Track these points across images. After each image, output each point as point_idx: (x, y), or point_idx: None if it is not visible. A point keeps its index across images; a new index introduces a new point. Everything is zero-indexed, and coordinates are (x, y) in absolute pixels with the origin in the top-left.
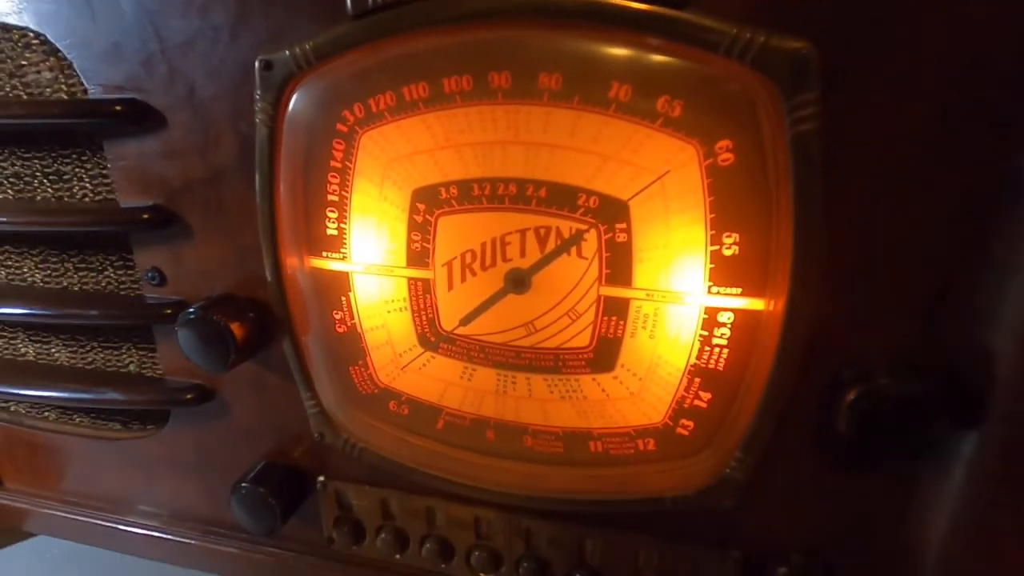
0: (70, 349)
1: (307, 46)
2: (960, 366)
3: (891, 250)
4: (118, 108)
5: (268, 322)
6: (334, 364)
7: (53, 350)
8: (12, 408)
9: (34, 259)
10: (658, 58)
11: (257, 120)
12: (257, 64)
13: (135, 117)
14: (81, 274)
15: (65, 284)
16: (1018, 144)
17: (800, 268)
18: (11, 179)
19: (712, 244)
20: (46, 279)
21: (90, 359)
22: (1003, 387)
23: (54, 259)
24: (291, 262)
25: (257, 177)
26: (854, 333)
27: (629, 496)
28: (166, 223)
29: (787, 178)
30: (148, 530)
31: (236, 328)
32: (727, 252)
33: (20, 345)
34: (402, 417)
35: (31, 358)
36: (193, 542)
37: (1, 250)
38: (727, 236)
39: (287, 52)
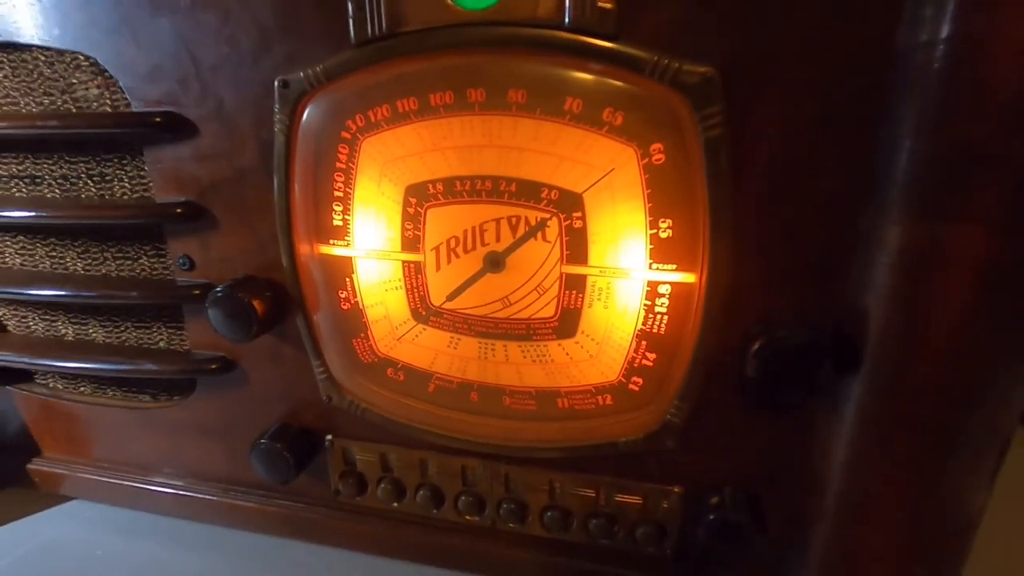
0: (106, 329)
1: (318, 68)
2: (843, 322)
3: (786, 229)
4: (158, 120)
5: (283, 300)
6: (339, 336)
7: (90, 330)
8: (51, 384)
9: (76, 250)
10: (601, 78)
11: (276, 129)
12: (276, 83)
13: (172, 127)
14: (118, 262)
15: (104, 271)
16: (876, 142)
17: (715, 246)
18: (59, 180)
19: (651, 228)
20: (86, 267)
21: (124, 338)
22: (873, 340)
23: (94, 249)
24: (303, 249)
25: (275, 177)
26: (760, 297)
27: (590, 443)
28: (196, 216)
29: (702, 172)
30: (174, 490)
31: (257, 304)
32: (663, 235)
33: (60, 326)
34: (398, 382)
35: (70, 338)
36: (214, 499)
37: (47, 242)
38: (662, 221)
39: (301, 73)
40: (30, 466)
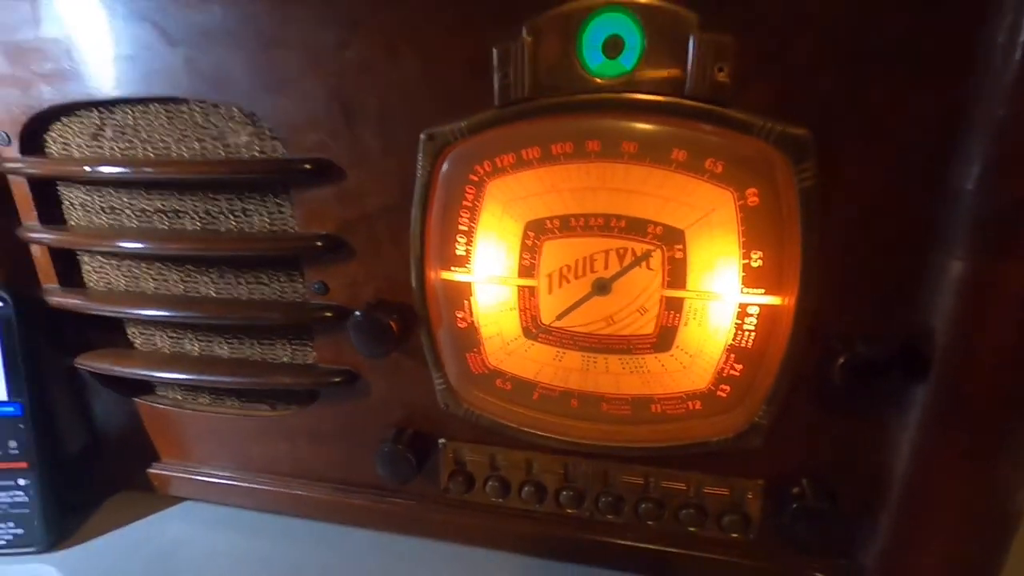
0: (231, 346)
1: (462, 124)
2: (912, 339)
3: (864, 261)
4: (308, 167)
5: (410, 319)
6: (454, 351)
7: (215, 347)
8: (171, 395)
9: (210, 275)
10: (704, 133)
11: (418, 174)
12: (422, 136)
13: (320, 172)
14: (250, 286)
15: (236, 295)
16: (943, 192)
17: (804, 276)
18: (201, 214)
19: (743, 258)
20: (219, 291)
21: (248, 354)
22: (939, 354)
23: (228, 275)
24: (431, 275)
25: (414, 213)
26: (841, 318)
27: (683, 442)
28: (335, 248)
29: (795, 215)
30: (288, 489)
31: (393, 324)
32: (754, 264)
33: (186, 343)
34: (505, 391)
35: (196, 354)
36: (327, 498)
37: (183, 269)
38: (754, 253)
39: (447, 128)
40: (150, 470)
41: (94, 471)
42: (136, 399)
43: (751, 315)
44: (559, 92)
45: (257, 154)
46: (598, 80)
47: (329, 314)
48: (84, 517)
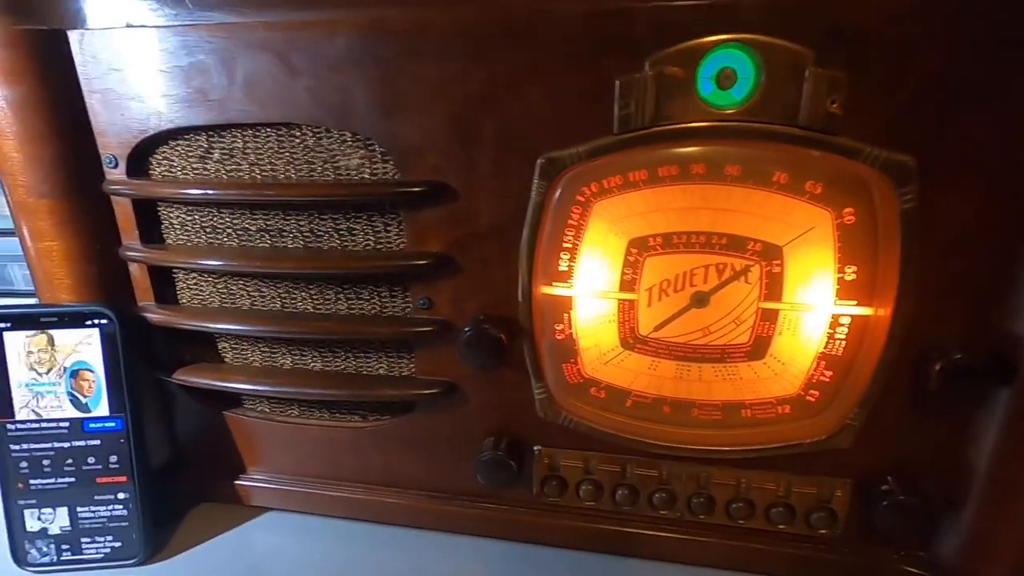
0: (325, 359)
1: (580, 150)
2: (1002, 346)
3: (958, 276)
4: (423, 189)
5: (513, 332)
6: (551, 361)
7: (308, 360)
8: (259, 408)
9: (309, 291)
10: (808, 157)
11: (532, 196)
12: (540, 161)
13: (434, 194)
14: (350, 302)
15: (333, 310)
16: None
17: (901, 290)
18: (305, 233)
19: (838, 272)
20: (316, 307)
21: (341, 366)
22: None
23: (328, 291)
24: (536, 290)
25: (525, 232)
26: (936, 327)
27: (774, 445)
28: (443, 266)
29: (893, 233)
30: (379, 497)
31: (503, 338)
32: (848, 278)
33: (279, 357)
34: (599, 399)
35: (288, 367)
36: (418, 504)
37: (281, 285)
38: (848, 267)
39: (565, 154)
40: (237, 482)
41: (176, 485)
42: (225, 412)
43: (843, 325)
44: (675, 120)
45: (368, 176)
46: (712, 109)
47: (432, 328)
48: (171, 530)
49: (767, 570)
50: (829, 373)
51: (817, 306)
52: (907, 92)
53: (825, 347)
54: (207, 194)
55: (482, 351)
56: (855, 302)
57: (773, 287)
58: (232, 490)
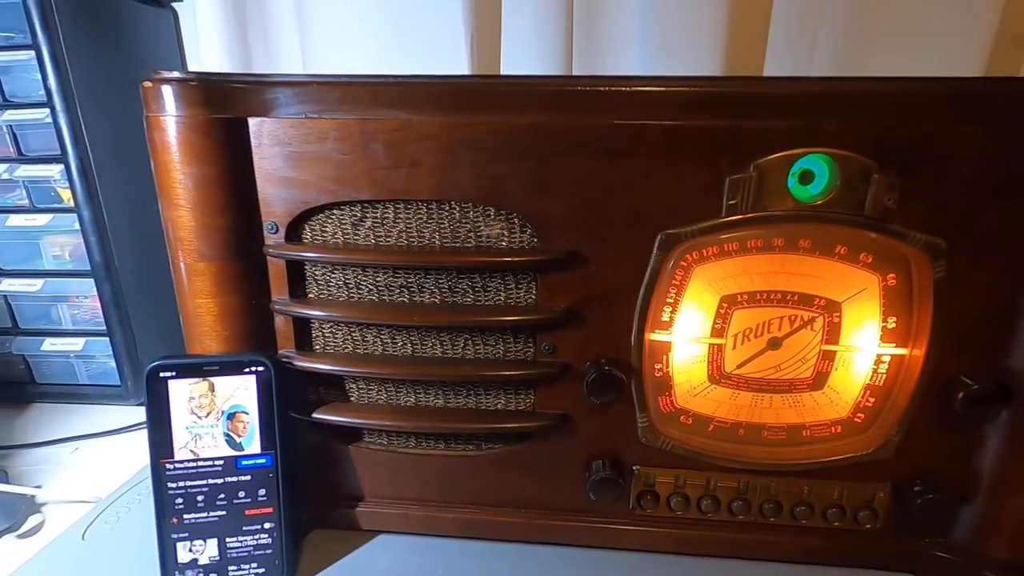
0: (447, 397)
1: (694, 228)
2: (1006, 378)
3: (975, 326)
4: (559, 257)
5: (625, 371)
6: (651, 397)
7: (431, 398)
8: (379, 441)
9: (440, 339)
10: (865, 236)
11: (650, 264)
12: (660, 236)
13: (569, 261)
14: (476, 347)
15: (461, 355)
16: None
17: (933, 336)
18: (444, 291)
19: (882, 322)
20: (445, 352)
21: (462, 403)
22: (1021, 387)
23: (458, 339)
24: (645, 337)
25: (642, 292)
26: (958, 363)
27: (831, 458)
28: (569, 318)
29: (927, 294)
30: (491, 516)
31: (624, 377)
32: (889, 326)
33: (402, 396)
34: (687, 425)
35: (411, 403)
36: (528, 521)
37: (415, 333)
38: (890, 318)
39: (681, 231)
40: (358, 509)
41: (297, 514)
42: (349, 446)
43: (884, 362)
44: (768, 209)
45: (506, 243)
46: (797, 201)
47: (555, 370)
48: (297, 555)
49: (824, 560)
50: (872, 400)
51: (865, 348)
52: (943, 194)
53: (870, 379)
54: (362, 259)
55: (607, 389)
56: (894, 344)
57: (832, 333)
58: (346, 516)
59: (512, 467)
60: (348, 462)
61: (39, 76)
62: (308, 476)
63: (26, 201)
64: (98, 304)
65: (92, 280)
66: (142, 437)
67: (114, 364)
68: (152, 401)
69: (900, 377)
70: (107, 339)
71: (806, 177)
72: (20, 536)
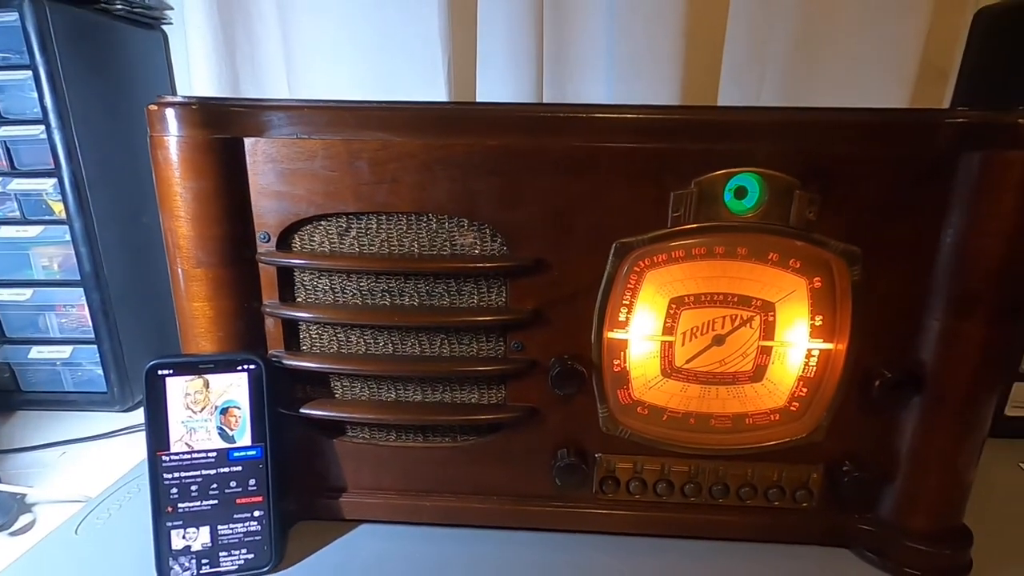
0: (424, 392)
1: (645, 238)
2: (915, 368)
3: (887, 321)
4: (527, 263)
5: (586, 366)
6: (610, 389)
7: (410, 394)
8: (362, 435)
9: (418, 339)
10: (792, 245)
11: (607, 269)
12: (615, 245)
13: (535, 268)
14: (452, 346)
15: (438, 353)
16: (929, 285)
17: (853, 332)
18: (422, 294)
19: (810, 320)
20: (423, 351)
21: (439, 398)
22: (929, 376)
23: (435, 339)
24: (604, 335)
25: (600, 295)
26: (874, 355)
27: (771, 443)
28: (536, 319)
29: (847, 295)
30: (467, 503)
31: (585, 371)
32: (816, 324)
33: (383, 392)
34: (643, 416)
35: (392, 399)
36: (502, 507)
37: (393, 335)
38: (817, 317)
39: (633, 240)
40: (341, 499)
41: (284, 505)
42: (333, 440)
43: (814, 355)
44: (707, 220)
45: (478, 252)
46: (732, 213)
47: (523, 366)
48: (283, 545)
49: (767, 536)
50: (805, 390)
51: (797, 343)
52: (857, 207)
53: (803, 371)
54: (347, 266)
55: (570, 382)
56: (822, 340)
57: (768, 331)
58: (331, 506)
59: (485, 457)
60: (332, 455)
61: (34, 95)
62: (294, 469)
63: (17, 213)
64: (84, 313)
65: (79, 289)
66: (129, 441)
67: (100, 371)
68: (150, 397)
69: (827, 369)
70: (94, 347)
71: (740, 193)
72: (12, 534)
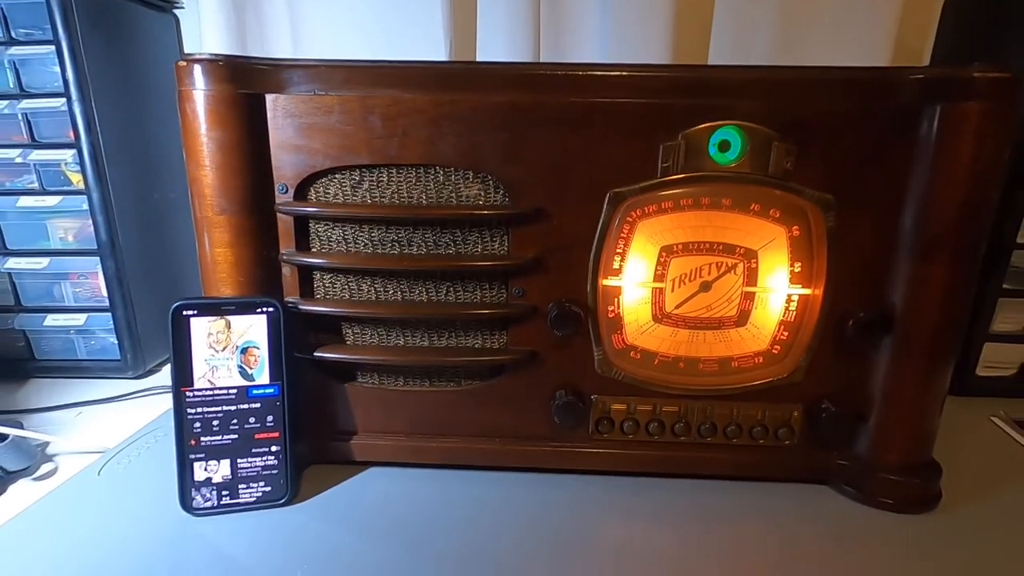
0: (431, 338)
1: (637, 187)
2: (887, 309)
3: (860, 266)
4: (528, 213)
5: (583, 310)
6: (605, 334)
7: (417, 340)
8: (371, 381)
9: (425, 287)
10: (772, 194)
11: (602, 218)
12: (609, 194)
13: (535, 217)
14: (456, 293)
15: (444, 299)
16: (898, 230)
17: (829, 276)
18: (429, 244)
19: (790, 267)
20: (431, 297)
21: (444, 344)
22: (899, 316)
23: (442, 287)
24: (600, 282)
25: (595, 243)
26: (849, 298)
27: (755, 383)
28: (536, 266)
29: (823, 242)
30: (472, 444)
31: (581, 313)
32: (796, 270)
33: (392, 339)
34: (636, 360)
35: (401, 344)
36: (504, 448)
37: (402, 283)
38: (796, 263)
39: (626, 189)
40: (352, 442)
41: (297, 448)
42: (346, 384)
43: (794, 300)
44: (694, 170)
45: (482, 203)
46: (717, 164)
47: (524, 311)
48: (298, 482)
49: (752, 473)
50: (786, 333)
51: (778, 289)
52: (830, 158)
53: (783, 316)
54: (360, 213)
55: (567, 323)
56: (800, 286)
57: (751, 277)
58: (342, 449)
59: (488, 400)
60: (343, 400)
61: (55, 69)
62: (308, 414)
63: (36, 184)
64: (98, 282)
65: (95, 259)
66: (143, 403)
67: (113, 339)
68: (176, 336)
69: (806, 313)
70: (107, 315)
71: (724, 146)
72: (35, 479)
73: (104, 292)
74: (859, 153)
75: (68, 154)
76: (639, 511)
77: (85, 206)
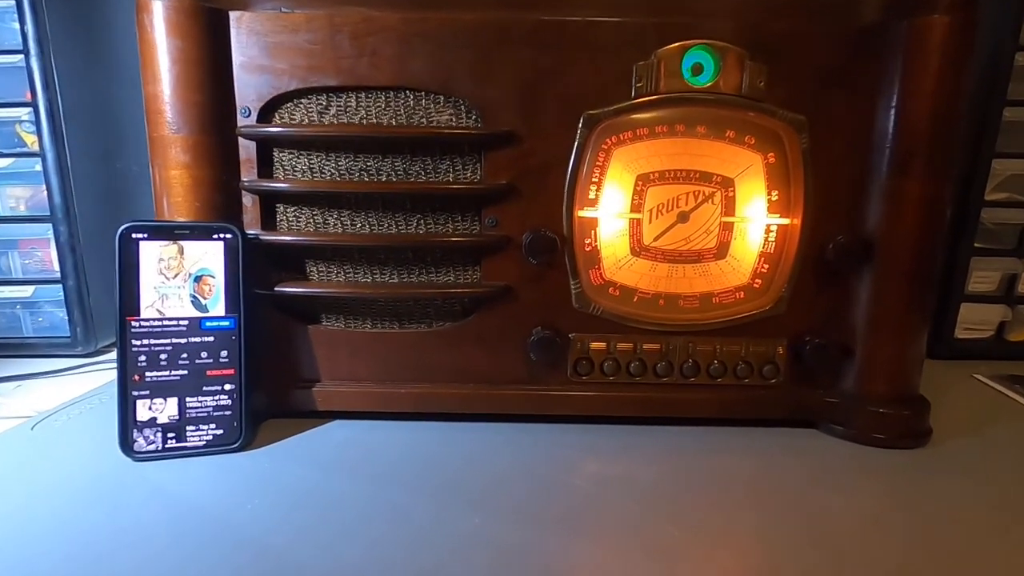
0: (400, 275)
1: (610, 109)
2: (864, 235)
3: (837, 191)
4: (500, 134)
5: (559, 241)
6: (582, 267)
7: (386, 278)
8: (336, 323)
9: (395, 219)
10: (745, 120)
11: (576, 141)
12: (583, 117)
13: (508, 139)
14: (428, 225)
15: (414, 230)
16: (874, 151)
17: (806, 204)
18: (399, 173)
19: (767, 195)
20: (400, 230)
21: (414, 280)
22: (877, 241)
23: (412, 218)
24: (575, 211)
25: (569, 167)
26: (827, 226)
27: (736, 317)
28: (509, 192)
29: (799, 168)
30: (443, 389)
31: (557, 239)
32: (773, 199)
33: (359, 276)
34: (615, 296)
35: (368, 280)
36: (477, 392)
37: (370, 215)
38: (773, 192)
39: (600, 111)
40: (315, 389)
41: (256, 397)
42: (309, 326)
43: (772, 231)
44: (667, 91)
45: (454, 126)
46: (691, 85)
47: (498, 241)
48: (254, 433)
49: (739, 414)
50: (767, 266)
51: (756, 218)
52: (800, 79)
53: (763, 247)
54: (328, 134)
55: (543, 249)
56: (779, 215)
57: (729, 206)
58: (304, 398)
59: (461, 342)
60: (306, 344)
61: (15, 25)
62: (267, 361)
63: None
64: (50, 255)
65: (47, 225)
66: (87, 380)
67: (63, 314)
68: (123, 260)
69: (786, 244)
70: (57, 287)
71: (697, 69)
72: None
73: (56, 265)
74: (830, 71)
75: (24, 112)
76: (620, 455)
77: (39, 167)
